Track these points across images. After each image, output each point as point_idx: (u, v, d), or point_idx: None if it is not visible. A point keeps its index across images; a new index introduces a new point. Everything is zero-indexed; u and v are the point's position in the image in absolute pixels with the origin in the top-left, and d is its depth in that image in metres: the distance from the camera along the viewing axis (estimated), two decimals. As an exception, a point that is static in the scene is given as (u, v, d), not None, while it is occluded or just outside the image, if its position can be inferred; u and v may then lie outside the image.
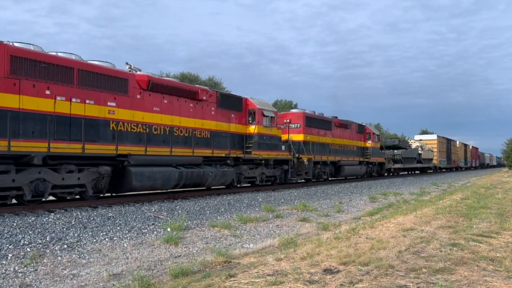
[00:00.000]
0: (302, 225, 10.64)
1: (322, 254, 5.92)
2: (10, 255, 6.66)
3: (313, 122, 22.36)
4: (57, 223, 8.52)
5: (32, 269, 6.21)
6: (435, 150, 46.45)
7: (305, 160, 20.33)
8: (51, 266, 6.43)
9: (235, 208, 12.40)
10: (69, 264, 6.59)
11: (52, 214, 9.26)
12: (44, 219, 8.65)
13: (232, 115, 16.27)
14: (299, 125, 21.27)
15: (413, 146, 41.10)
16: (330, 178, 24.61)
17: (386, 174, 33.84)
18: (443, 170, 54.48)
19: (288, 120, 21.19)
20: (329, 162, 23.52)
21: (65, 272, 6.24)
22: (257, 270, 5.23)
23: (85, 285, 5.70)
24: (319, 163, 22.43)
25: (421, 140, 46.14)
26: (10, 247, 6.98)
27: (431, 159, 44.57)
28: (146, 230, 8.89)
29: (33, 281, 5.82)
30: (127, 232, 8.63)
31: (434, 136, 49.16)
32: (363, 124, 29.32)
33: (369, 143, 28.63)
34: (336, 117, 25.47)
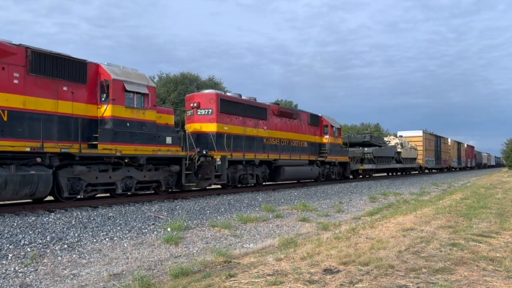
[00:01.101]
0: (302, 225, 10.65)
1: (322, 254, 5.92)
2: (10, 255, 6.67)
3: (233, 107, 16.45)
4: (57, 223, 8.52)
5: (32, 269, 6.22)
6: (420, 148, 40.51)
7: (217, 159, 14.86)
8: (52, 266, 6.43)
9: (235, 208, 12.41)
10: (69, 264, 6.60)
11: (52, 214, 9.26)
12: (45, 219, 8.65)
13: (65, 88, 10.58)
14: (210, 110, 15.56)
15: (392, 143, 34.83)
16: (265, 183, 18.88)
17: (351, 177, 27.36)
18: (433, 171, 48.84)
19: (195, 104, 15.81)
20: (258, 162, 17.40)
21: (66, 272, 6.25)
22: (257, 270, 5.24)
23: (85, 285, 5.70)
24: (241, 162, 16.55)
25: (401, 136, 39.50)
26: (10, 247, 6.99)
27: (415, 159, 38.54)
28: (146, 230, 8.89)
29: (34, 281, 5.83)
30: (127, 232, 8.64)
31: (419, 132, 42.14)
32: (318, 115, 23.33)
33: (326, 138, 23.06)
34: (277, 104, 20.57)
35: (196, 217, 10.62)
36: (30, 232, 7.77)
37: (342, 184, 22.49)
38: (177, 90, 36.28)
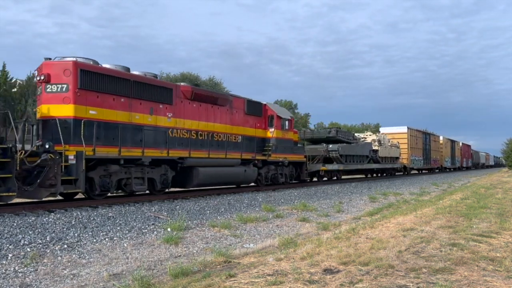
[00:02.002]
0: (302, 225, 10.64)
1: (322, 254, 5.92)
2: (10, 255, 6.67)
3: (108, 84, 11.51)
4: (57, 223, 8.52)
5: (32, 269, 6.21)
6: (404, 146, 35.68)
7: (70, 156, 10.28)
8: (51, 266, 6.43)
9: (235, 208, 12.41)
10: (69, 264, 6.60)
11: (52, 214, 9.26)
12: (44, 219, 8.65)
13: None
14: (64, 86, 10.69)
15: (368, 140, 29.88)
16: (169, 190, 14.15)
17: (309, 180, 22.70)
18: (422, 171, 44.54)
19: (43, 77, 10.78)
20: (148, 161, 12.31)
21: (65, 272, 6.25)
22: (257, 270, 5.24)
23: (85, 285, 5.70)
24: (117, 161, 11.51)
25: (381, 133, 35.05)
26: (10, 247, 6.99)
27: (397, 158, 33.46)
28: (146, 230, 8.89)
29: (33, 281, 5.82)
30: (127, 232, 8.64)
31: (403, 128, 37.03)
32: (260, 102, 18.28)
33: (271, 132, 18.10)
34: (197, 85, 16.90)
35: (196, 217, 10.62)
36: (30, 232, 7.76)
37: (342, 184, 22.46)
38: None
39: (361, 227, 8.59)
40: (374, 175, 32.60)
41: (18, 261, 6.49)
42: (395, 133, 36.70)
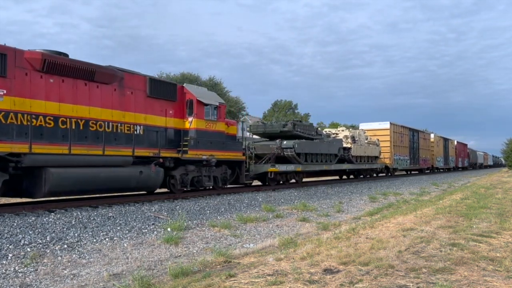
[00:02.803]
0: (302, 225, 10.65)
1: (322, 254, 5.93)
2: (10, 255, 6.67)
3: None
4: (57, 223, 8.52)
5: (32, 269, 6.22)
6: (386, 144, 31.20)
7: None
8: (51, 266, 6.43)
9: (235, 208, 12.41)
10: (69, 264, 6.60)
11: (52, 214, 9.26)
12: (44, 219, 8.65)
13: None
14: None
15: (340, 136, 25.13)
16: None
17: (251, 183, 18.02)
18: (411, 172, 40.66)
19: None
20: None
21: (65, 272, 6.25)
22: (257, 270, 5.24)
23: (85, 285, 5.70)
24: None
25: (360, 129, 30.46)
26: (10, 247, 6.99)
27: (376, 157, 28.69)
28: (146, 230, 8.90)
29: (33, 281, 5.83)
30: (127, 232, 8.64)
31: (386, 124, 32.11)
32: (175, 83, 14.27)
33: (190, 121, 13.75)
34: (58, 53, 10.59)
35: (196, 217, 10.62)
36: (30, 232, 7.76)
37: (342, 184, 22.46)
38: (177, 90, 36.26)
39: (361, 227, 8.60)
40: (355, 177, 28.27)
41: (18, 261, 6.49)
42: (376, 129, 31.80)
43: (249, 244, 8.25)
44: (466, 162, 65.33)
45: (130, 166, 11.54)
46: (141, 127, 12.42)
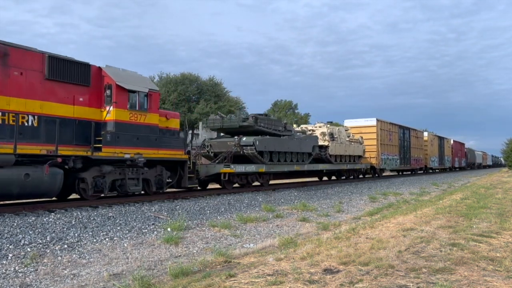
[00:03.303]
0: (302, 225, 10.65)
1: (322, 254, 5.93)
2: (10, 255, 6.67)
3: None
4: (57, 223, 8.52)
5: (32, 269, 6.22)
6: (371, 142, 28.49)
7: None
8: (52, 266, 6.43)
9: (235, 208, 12.42)
10: (69, 264, 6.60)
11: (52, 214, 9.26)
12: (45, 219, 8.65)
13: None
14: None
15: (317, 132, 22.39)
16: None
17: (199, 188, 15.56)
18: (403, 173, 38.22)
19: None
20: None
21: (66, 272, 6.25)
22: (257, 270, 5.24)
23: (85, 285, 5.70)
24: None
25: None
26: (10, 247, 6.99)
27: (359, 157, 25.94)
28: (146, 230, 8.90)
29: (33, 281, 5.83)
30: (127, 232, 8.64)
31: (372, 121, 29.21)
32: (88, 63, 11.20)
33: (108, 111, 11.18)
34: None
35: (196, 217, 10.62)
36: (30, 232, 7.77)
37: (342, 184, 22.45)
38: (177, 91, 36.29)
39: (361, 227, 8.60)
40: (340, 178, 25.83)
41: (18, 261, 6.49)
42: (361, 126, 29.06)
43: (249, 244, 8.25)
44: (464, 162, 62.70)
45: (11, 167, 9.01)
46: (35, 117, 9.81)
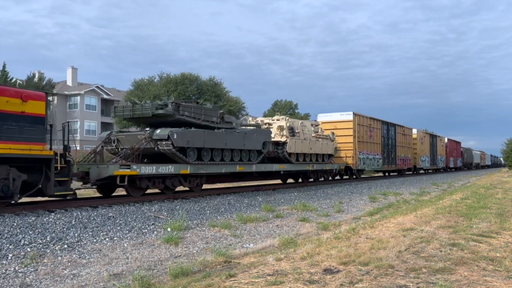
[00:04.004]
0: (302, 225, 10.65)
1: (322, 254, 5.93)
2: (10, 255, 6.67)
3: None
4: (57, 223, 8.53)
5: (32, 269, 6.22)
6: (347, 139, 25.02)
7: None
8: (52, 266, 6.43)
9: (235, 208, 12.42)
10: (69, 264, 6.60)
11: (52, 214, 9.26)
12: (45, 219, 8.65)
13: None
14: None
15: (274, 126, 18.57)
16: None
17: (72, 195, 10.54)
18: (390, 174, 34.84)
19: None
20: None
21: (66, 272, 6.25)
22: (257, 270, 5.24)
23: (85, 285, 5.70)
24: None
25: (319, 119, 25.16)
26: (10, 247, 6.99)
27: (330, 155, 22.27)
28: (146, 230, 8.90)
29: (33, 281, 5.83)
30: (127, 232, 8.64)
31: (348, 115, 25.61)
32: None
33: None
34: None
35: (196, 217, 10.62)
36: (30, 232, 7.77)
37: (342, 184, 22.45)
38: (177, 90, 36.29)
39: (361, 227, 8.60)
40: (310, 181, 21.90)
41: (18, 261, 6.49)
42: (336, 121, 25.54)
43: (249, 244, 8.25)
44: (460, 162, 59.27)
45: None
46: None
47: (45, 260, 6.62)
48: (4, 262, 6.40)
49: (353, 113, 25.62)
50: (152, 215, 10.20)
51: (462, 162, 61.28)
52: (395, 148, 32.87)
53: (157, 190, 13.64)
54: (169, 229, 8.88)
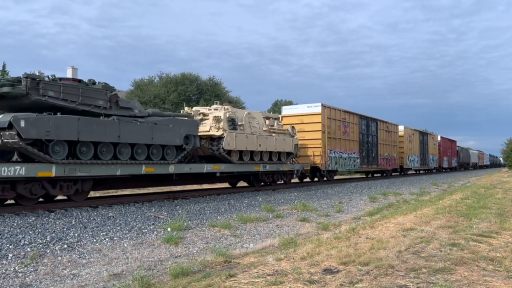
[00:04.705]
0: (302, 225, 10.65)
1: (322, 254, 5.93)
2: (10, 255, 6.67)
3: None
4: (57, 223, 8.53)
5: (32, 269, 6.22)
6: (315, 135, 21.68)
7: None
8: (51, 266, 6.43)
9: (235, 208, 12.42)
10: (69, 264, 6.60)
11: (52, 214, 9.26)
12: (45, 219, 8.66)
13: None
14: None
15: (210, 117, 15.07)
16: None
17: None
18: (374, 175, 31.95)
19: None
20: None
21: (65, 272, 6.25)
22: (257, 270, 5.24)
23: (85, 285, 5.70)
24: None
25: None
26: (10, 247, 6.99)
27: (289, 154, 18.73)
28: (146, 230, 8.90)
29: (33, 281, 5.83)
30: (127, 232, 8.65)
31: (316, 107, 22.05)
32: None
33: None
34: None
35: (196, 217, 10.62)
36: (30, 232, 7.77)
37: (342, 184, 22.45)
38: (177, 90, 36.29)
39: (361, 227, 8.60)
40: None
41: (18, 261, 6.49)
42: (301, 114, 22.32)
43: (249, 244, 8.26)
44: (455, 161, 55.98)
45: None
46: None
47: (45, 260, 6.62)
48: (4, 262, 6.40)
49: (322, 104, 22.06)
50: (152, 215, 10.20)
51: (457, 162, 58.12)
52: (377, 146, 29.18)
53: (158, 190, 13.62)
54: (169, 229, 8.88)
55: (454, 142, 56.78)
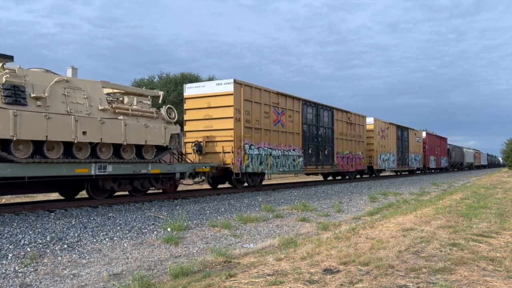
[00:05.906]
0: (302, 225, 10.64)
1: (322, 254, 5.93)
2: (10, 255, 6.67)
3: None
4: (57, 223, 8.53)
5: (32, 269, 6.22)
6: (228, 124, 15.59)
7: None
8: (51, 266, 6.43)
9: (235, 208, 12.41)
10: (69, 264, 6.60)
11: (52, 214, 9.27)
12: (45, 219, 8.66)
13: None
14: None
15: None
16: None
17: None
18: (330, 178, 26.52)
19: None
20: None
21: (65, 272, 6.25)
22: (257, 270, 5.24)
23: (85, 285, 5.70)
24: None
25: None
26: (10, 247, 6.99)
27: (162, 148, 12.59)
28: (146, 230, 8.90)
29: (33, 281, 5.83)
30: (127, 232, 8.64)
31: (228, 85, 15.65)
32: None
33: None
34: None
35: (196, 217, 10.62)
36: (30, 232, 7.77)
37: (342, 184, 22.44)
38: (177, 90, 36.31)
39: (361, 227, 8.60)
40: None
41: (18, 261, 6.49)
42: (210, 94, 16.07)
43: (249, 244, 8.25)
44: (445, 161, 49.81)
45: None
46: None
47: (45, 260, 6.62)
48: (4, 262, 6.40)
49: (235, 81, 15.77)
50: (152, 215, 10.20)
51: (448, 162, 51.79)
52: (332, 142, 23.19)
53: (158, 190, 13.61)
54: (169, 229, 8.88)
55: (444, 139, 50.45)
